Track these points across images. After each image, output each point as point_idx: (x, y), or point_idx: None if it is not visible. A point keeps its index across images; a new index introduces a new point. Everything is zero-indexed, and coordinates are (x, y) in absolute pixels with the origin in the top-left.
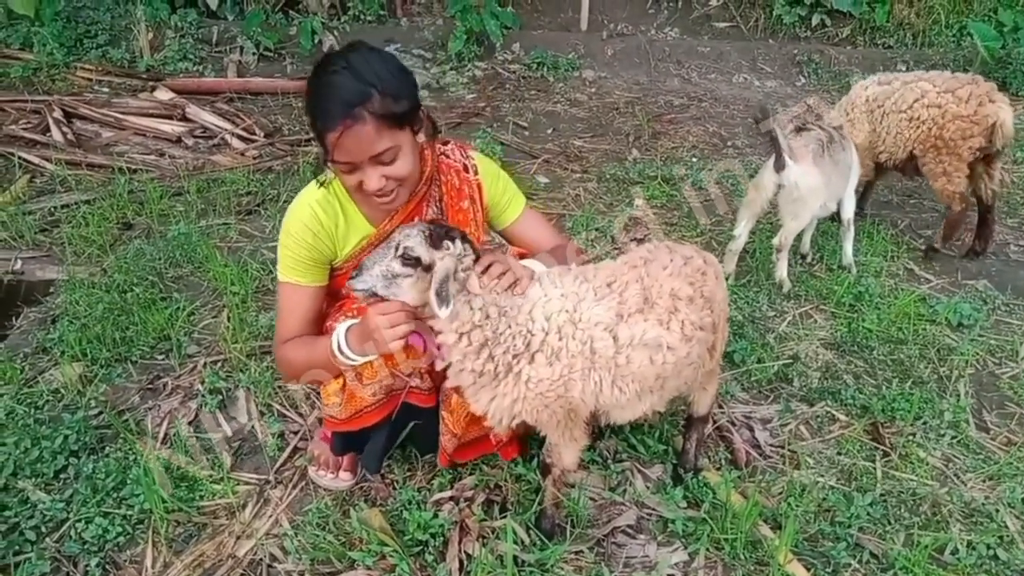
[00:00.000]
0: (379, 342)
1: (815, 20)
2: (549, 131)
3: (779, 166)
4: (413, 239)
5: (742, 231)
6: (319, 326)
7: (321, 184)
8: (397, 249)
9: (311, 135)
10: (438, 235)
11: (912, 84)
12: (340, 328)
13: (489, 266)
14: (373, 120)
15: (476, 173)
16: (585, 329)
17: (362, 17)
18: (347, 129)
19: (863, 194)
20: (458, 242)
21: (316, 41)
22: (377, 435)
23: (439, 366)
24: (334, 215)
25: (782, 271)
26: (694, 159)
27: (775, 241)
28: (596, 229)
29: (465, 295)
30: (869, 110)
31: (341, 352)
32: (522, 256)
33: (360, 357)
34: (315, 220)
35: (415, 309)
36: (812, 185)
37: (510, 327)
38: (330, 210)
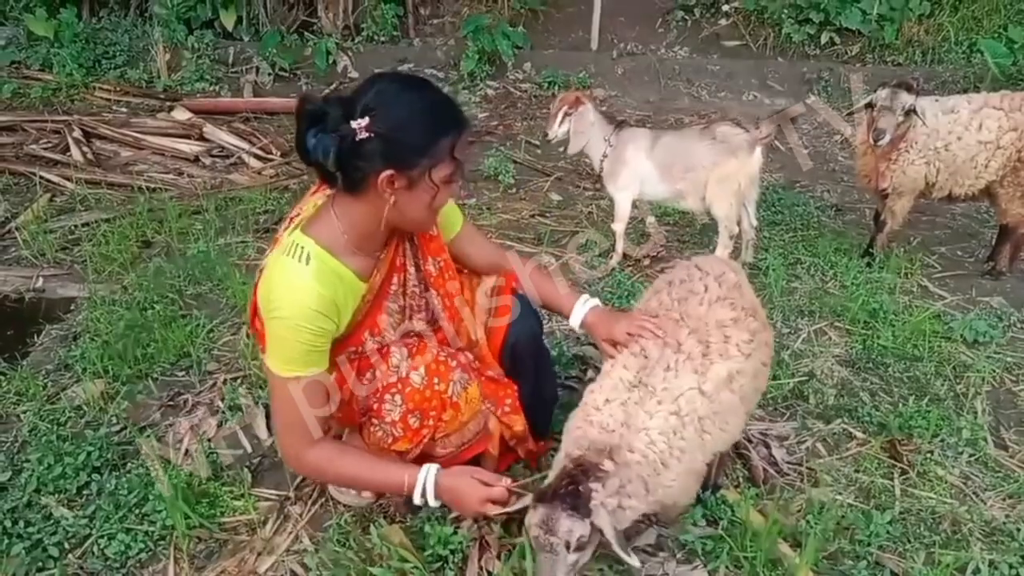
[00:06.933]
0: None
1: (824, 38)
2: (561, 149)
3: None
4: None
5: None
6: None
7: (304, 259)
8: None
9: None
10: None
11: (982, 110)
12: (427, 475)
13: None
14: None
15: None
16: (688, 412)
17: (376, 38)
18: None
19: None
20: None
21: (331, 61)
22: None
23: None
24: (332, 285)
25: None
26: None
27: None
28: (609, 245)
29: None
30: (938, 147)
31: (423, 497)
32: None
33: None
34: (321, 301)
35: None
36: None
37: (630, 481)
38: (327, 281)
